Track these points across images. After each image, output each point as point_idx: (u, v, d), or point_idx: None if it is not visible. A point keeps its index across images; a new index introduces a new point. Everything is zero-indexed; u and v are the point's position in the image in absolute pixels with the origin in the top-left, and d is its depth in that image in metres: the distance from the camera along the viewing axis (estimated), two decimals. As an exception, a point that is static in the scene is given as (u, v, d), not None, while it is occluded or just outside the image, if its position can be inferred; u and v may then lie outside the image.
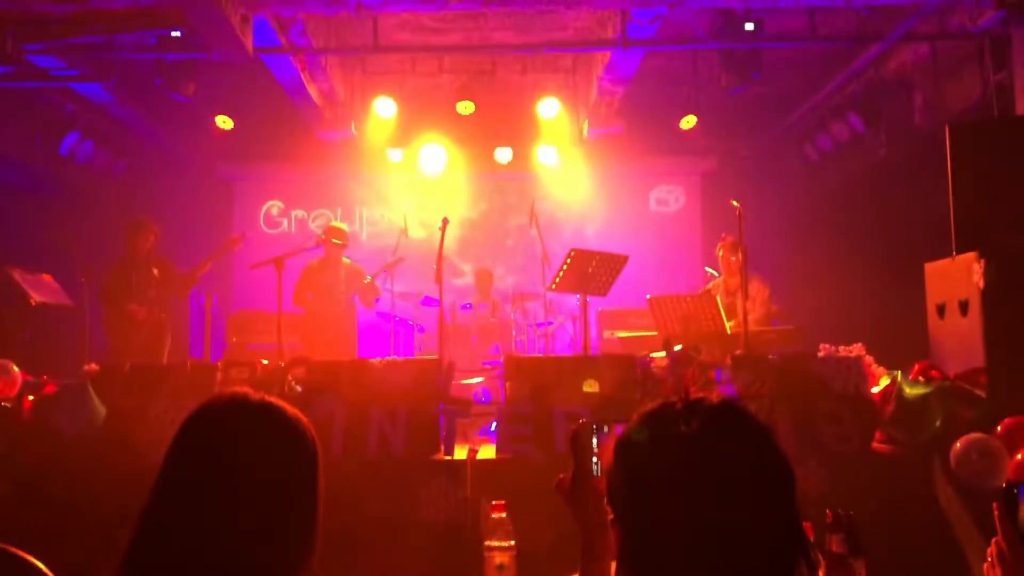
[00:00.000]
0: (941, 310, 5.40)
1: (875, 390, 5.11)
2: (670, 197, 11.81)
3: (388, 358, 6.23)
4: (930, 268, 5.60)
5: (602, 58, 8.83)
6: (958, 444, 4.37)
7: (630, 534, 1.44)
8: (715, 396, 1.47)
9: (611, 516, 1.48)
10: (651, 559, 1.40)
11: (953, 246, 5.27)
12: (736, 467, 1.39)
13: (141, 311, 7.50)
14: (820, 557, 2.46)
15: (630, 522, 1.44)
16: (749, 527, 1.36)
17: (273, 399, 1.71)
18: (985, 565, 1.66)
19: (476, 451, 4.93)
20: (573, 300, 8.30)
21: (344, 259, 8.47)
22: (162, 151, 10.65)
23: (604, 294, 7.14)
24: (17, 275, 6.68)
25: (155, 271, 7.66)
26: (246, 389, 1.72)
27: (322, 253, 8.34)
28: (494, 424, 5.25)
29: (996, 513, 1.58)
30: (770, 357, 5.40)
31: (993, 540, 1.62)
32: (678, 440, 1.41)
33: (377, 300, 8.52)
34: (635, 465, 1.45)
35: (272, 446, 1.65)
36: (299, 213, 11.70)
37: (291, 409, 1.72)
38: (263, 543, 1.57)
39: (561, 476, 2.08)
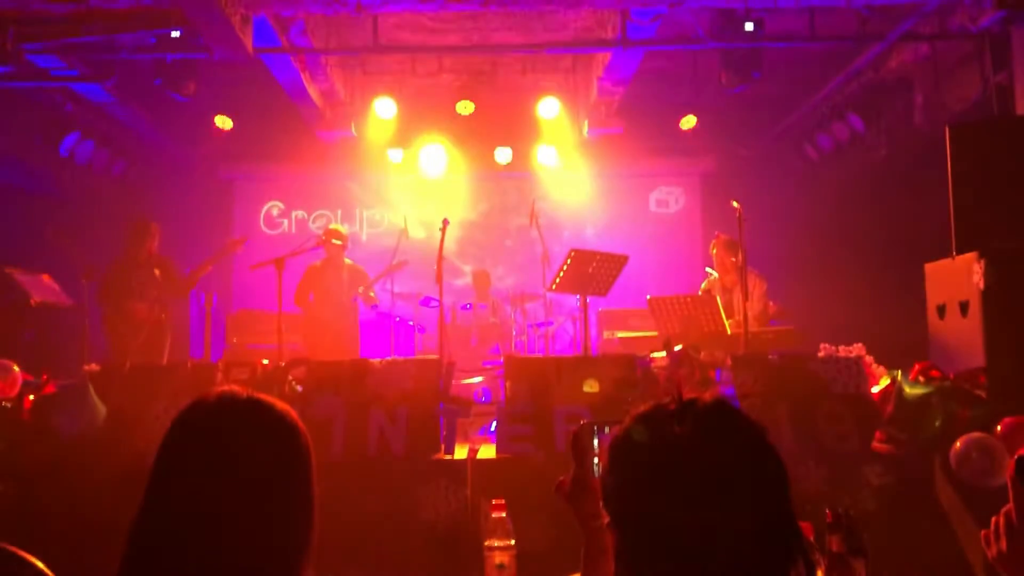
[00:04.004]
0: (941, 310, 5.40)
1: (875, 390, 5.11)
2: (670, 197, 11.81)
3: (388, 358, 6.23)
4: (930, 268, 5.60)
5: (602, 58, 8.83)
6: (958, 444, 4.38)
7: (626, 536, 1.43)
8: (708, 396, 1.47)
9: (607, 518, 1.48)
10: (647, 560, 1.39)
11: (953, 246, 5.27)
12: (729, 467, 1.39)
13: (141, 309, 7.49)
14: (820, 556, 2.47)
15: (625, 524, 1.44)
16: (744, 527, 1.36)
17: (262, 396, 1.70)
18: (984, 534, 1.64)
19: (476, 451, 4.93)
20: (573, 300, 8.30)
21: (346, 260, 8.48)
22: (162, 151, 10.65)
23: (604, 294, 7.14)
24: (17, 275, 6.68)
25: (156, 271, 7.65)
26: (235, 387, 1.71)
27: (324, 254, 8.35)
28: (494, 424, 5.25)
29: (1010, 483, 1.57)
30: (770, 357, 5.41)
31: (1002, 511, 1.61)
32: (671, 441, 1.41)
33: (374, 307, 8.54)
34: (629, 467, 1.45)
35: (261, 443, 1.63)
36: (299, 214, 11.70)
37: (281, 405, 1.71)
38: (257, 542, 1.57)
39: (561, 478, 2.08)
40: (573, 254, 6.88)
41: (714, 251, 7.60)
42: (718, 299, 7.11)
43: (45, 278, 7.16)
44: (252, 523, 1.57)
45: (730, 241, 7.18)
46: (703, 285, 7.85)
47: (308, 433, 1.71)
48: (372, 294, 8.42)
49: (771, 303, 7.65)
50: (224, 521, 1.56)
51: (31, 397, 5.18)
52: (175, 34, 7.43)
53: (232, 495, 1.57)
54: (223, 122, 9.61)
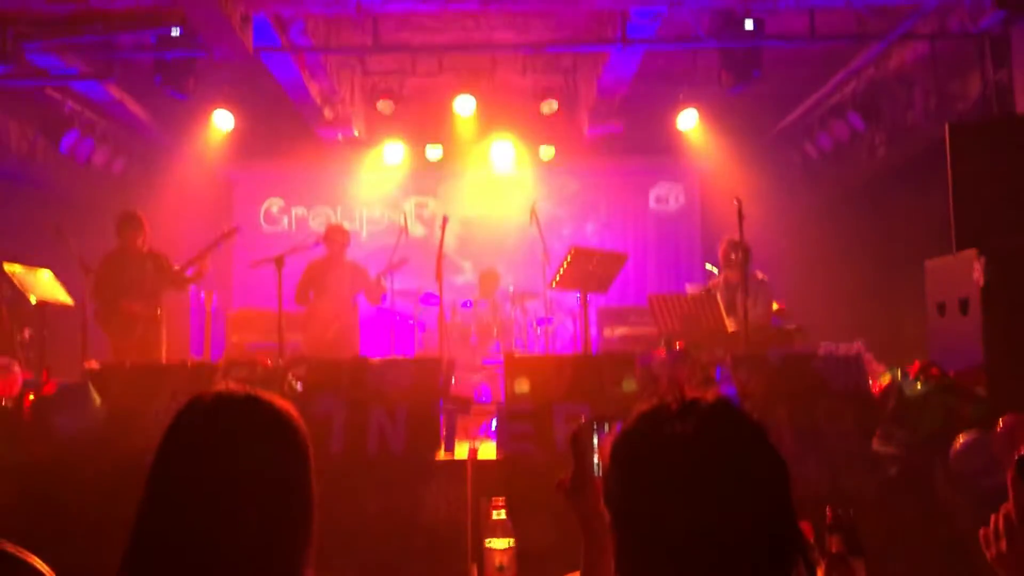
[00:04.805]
0: (941, 308, 5.40)
1: (875, 388, 5.11)
2: (670, 195, 11.81)
3: (388, 356, 6.25)
4: (930, 266, 5.60)
5: (602, 57, 8.83)
6: (958, 442, 4.37)
7: (627, 535, 1.43)
8: (711, 395, 1.47)
9: (608, 517, 1.48)
10: (648, 560, 1.40)
11: (953, 244, 5.26)
12: (731, 467, 1.39)
13: (135, 305, 7.41)
14: (819, 556, 2.47)
15: (627, 523, 1.44)
16: (745, 527, 1.36)
17: (261, 394, 1.69)
18: (983, 534, 1.64)
19: (476, 450, 4.93)
20: (573, 298, 8.30)
21: (347, 258, 8.47)
22: (162, 149, 10.66)
23: (604, 292, 7.14)
24: (15, 274, 6.66)
25: (149, 266, 7.54)
26: (233, 385, 1.70)
27: (324, 252, 8.34)
28: (494, 423, 5.25)
29: (1010, 483, 1.57)
30: (770, 355, 5.40)
31: (1001, 509, 1.60)
32: (673, 440, 1.41)
33: (384, 297, 8.53)
34: (631, 466, 1.45)
35: (259, 442, 1.62)
36: (299, 211, 11.70)
37: (280, 403, 1.69)
38: (256, 541, 1.56)
39: (561, 477, 2.08)
40: (573, 252, 6.89)
41: (723, 250, 7.56)
42: (718, 297, 7.10)
43: (45, 274, 7.12)
44: (251, 522, 1.57)
45: (737, 241, 7.16)
46: (708, 284, 7.84)
47: (307, 430, 1.71)
48: (382, 282, 8.37)
49: (776, 303, 7.64)
50: (223, 520, 1.56)
51: (31, 396, 5.17)
52: (175, 33, 7.43)
53: (231, 494, 1.57)
54: (223, 120, 9.60)
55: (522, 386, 5.15)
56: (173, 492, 1.59)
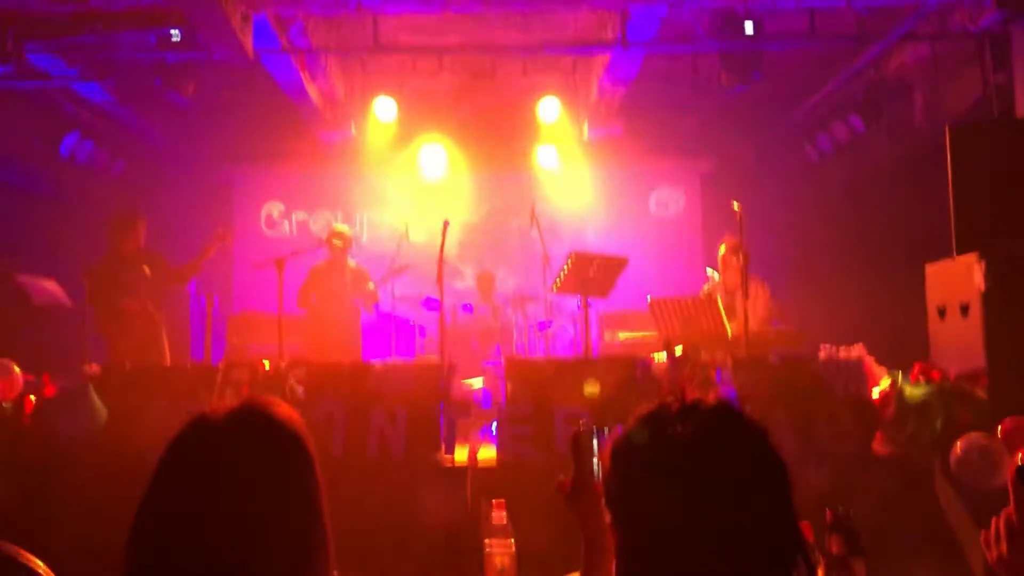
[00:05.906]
0: (942, 311, 5.40)
1: (876, 391, 5.10)
2: (671, 198, 11.80)
3: (389, 360, 6.24)
4: (931, 269, 5.60)
5: (602, 59, 8.83)
6: (958, 445, 4.37)
7: (627, 536, 1.44)
8: (712, 398, 1.47)
9: (609, 518, 1.48)
10: (649, 561, 1.40)
11: (954, 247, 5.26)
12: (732, 469, 1.39)
13: (132, 307, 7.37)
14: (820, 557, 2.47)
15: (627, 524, 1.44)
16: (746, 529, 1.36)
17: (262, 406, 1.67)
18: (984, 536, 1.64)
19: (476, 452, 4.93)
20: (574, 302, 8.29)
21: (350, 261, 8.46)
22: (162, 151, 10.65)
23: (605, 296, 7.14)
24: (22, 278, 6.64)
25: (146, 268, 7.48)
26: (233, 404, 1.67)
27: (327, 255, 8.33)
28: (494, 426, 5.25)
29: (1011, 486, 1.57)
30: (770, 359, 5.40)
31: (1002, 513, 1.60)
32: (674, 442, 1.41)
33: (376, 306, 8.53)
34: (632, 467, 1.45)
35: (264, 461, 1.59)
36: (300, 215, 11.68)
37: (282, 412, 1.68)
38: (264, 556, 1.54)
39: (562, 479, 2.08)
40: (574, 257, 6.88)
41: (722, 252, 7.55)
42: (719, 300, 7.10)
43: (48, 283, 7.10)
44: (257, 539, 1.54)
45: (737, 244, 7.15)
46: (705, 287, 7.83)
47: (311, 440, 1.68)
48: (371, 286, 8.37)
49: (774, 307, 7.63)
50: (230, 539, 1.53)
51: (31, 398, 5.18)
52: (175, 34, 7.42)
53: (237, 512, 1.54)
54: (224, 123, 9.54)
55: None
56: (176, 512, 1.55)
